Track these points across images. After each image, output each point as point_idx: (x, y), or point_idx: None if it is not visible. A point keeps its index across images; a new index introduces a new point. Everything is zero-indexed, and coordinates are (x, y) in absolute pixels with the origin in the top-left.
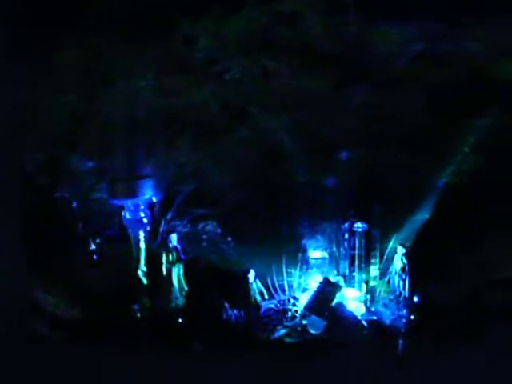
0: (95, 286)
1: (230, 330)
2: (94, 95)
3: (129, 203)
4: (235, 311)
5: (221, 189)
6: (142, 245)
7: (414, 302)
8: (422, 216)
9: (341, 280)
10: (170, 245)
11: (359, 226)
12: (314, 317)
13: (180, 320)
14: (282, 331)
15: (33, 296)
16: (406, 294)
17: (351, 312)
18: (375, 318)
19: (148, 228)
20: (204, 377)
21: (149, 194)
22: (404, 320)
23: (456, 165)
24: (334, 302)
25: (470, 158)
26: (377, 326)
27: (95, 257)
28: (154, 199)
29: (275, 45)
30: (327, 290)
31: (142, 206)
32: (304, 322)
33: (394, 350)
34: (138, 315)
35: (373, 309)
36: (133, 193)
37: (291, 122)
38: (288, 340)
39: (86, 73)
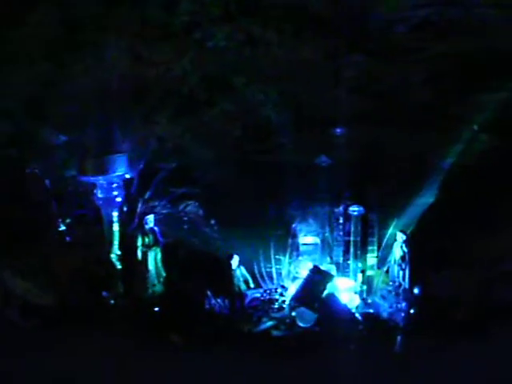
0: (67, 270)
1: (212, 320)
2: (66, 65)
3: (101, 180)
4: (219, 300)
5: (203, 166)
6: (116, 226)
7: (414, 294)
8: (425, 200)
9: (333, 268)
10: (147, 227)
11: (355, 209)
12: (303, 308)
13: (156, 309)
14: (269, 323)
15: (1, 280)
16: (406, 286)
17: (344, 304)
18: (371, 310)
19: (124, 208)
20: (182, 371)
21: (121, 170)
22: (403, 314)
23: (464, 144)
24: (325, 293)
25: (480, 137)
26: (373, 320)
27: (67, 239)
28: (128, 176)
29: (263, 9)
30: (317, 279)
31: (116, 184)
32: (293, 313)
33: (391, 347)
34: (112, 302)
35: (369, 301)
36: (103, 169)
37: (279, 95)
38: (275, 333)
39: (58, 41)
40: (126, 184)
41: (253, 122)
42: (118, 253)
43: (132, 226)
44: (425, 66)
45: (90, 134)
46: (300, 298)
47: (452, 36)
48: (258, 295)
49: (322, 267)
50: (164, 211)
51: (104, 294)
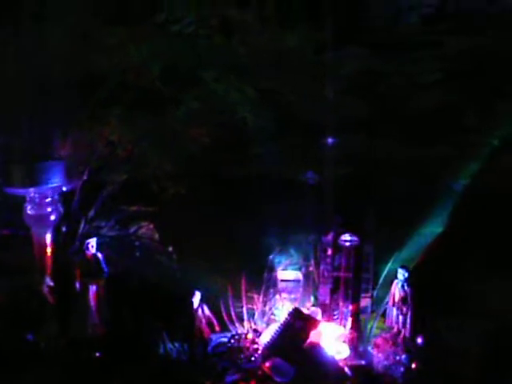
0: None
1: (168, 369)
2: None
3: (31, 193)
4: (176, 345)
5: (161, 180)
6: (49, 250)
7: (417, 344)
8: (433, 229)
9: (318, 312)
10: (88, 252)
11: (347, 238)
12: (278, 359)
13: (98, 354)
14: (236, 375)
15: None
16: (407, 334)
17: (330, 356)
18: (363, 362)
19: (61, 228)
20: None
21: (57, 181)
22: (402, 368)
23: (481, 163)
24: (308, 343)
25: (501, 155)
26: (365, 374)
27: None
28: (65, 189)
29: None
30: (298, 325)
31: (50, 199)
32: (266, 364)
33: None
34: (43, 345)
35: (361, 350)
36: (33, 179)
37: (259, 95)
38: None
39: None
40: (65, 199)
41: (225, 125)
42: (51, 284)
43: (70, 251)
44: (437, 64)
45: (20, 135)
46: (276, 348)
47: (471, 29)
48: (225, 340)
49: (305, 310)
50: (111, 233)
51: (33, 334)
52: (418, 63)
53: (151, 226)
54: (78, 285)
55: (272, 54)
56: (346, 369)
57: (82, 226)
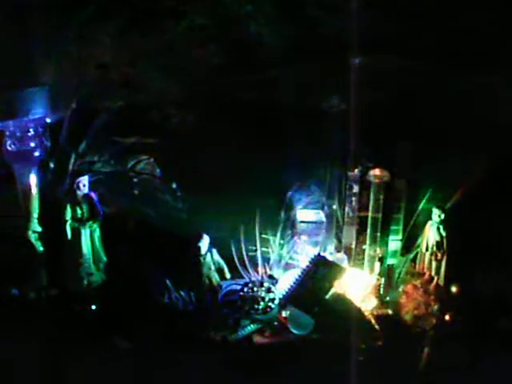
0: None
1: (173, 320)
2: None
3: (11, 127)
4: (182, 293)
5: (163, 107)
6: (34, 191)
7: (451, 293)
8: (475, 164)
9: (344, 259)
10: (80, 192)
11: (376, 174)
12: (297, 311)
13: (93, 307)
14: (250, 327)
15: None
16: (441, 282)
17: (356, 306)
18: (390, 311)
19: (48, 164)
20: None
21: (40, 111)
22: (434, 319)
23: None
24: (331, 293)
25: None
26: (392, 324)
27: None
28: (49, 120)
29: None
30: (321, 273)
31: (32, 132)
32: (283, 314)
33: (415, 361)
34: (32, 296)
35: (388, 298)
36: (10, 110)
37: (275, 7)
38: (259, 339)
39: None
40: (52, 131)
41: (235, 43)
42: (39, 230)
43: (60, 191)
44: None
45: None
46: (295, 299)
47: None
48: (237, 288)
49: (330, 256)
50: (106, 169)
51: (20, 285)
52: None
53: (151, 160)
54: (69, 229)
55: None
56: (373, 320)
57: (72, 161)
